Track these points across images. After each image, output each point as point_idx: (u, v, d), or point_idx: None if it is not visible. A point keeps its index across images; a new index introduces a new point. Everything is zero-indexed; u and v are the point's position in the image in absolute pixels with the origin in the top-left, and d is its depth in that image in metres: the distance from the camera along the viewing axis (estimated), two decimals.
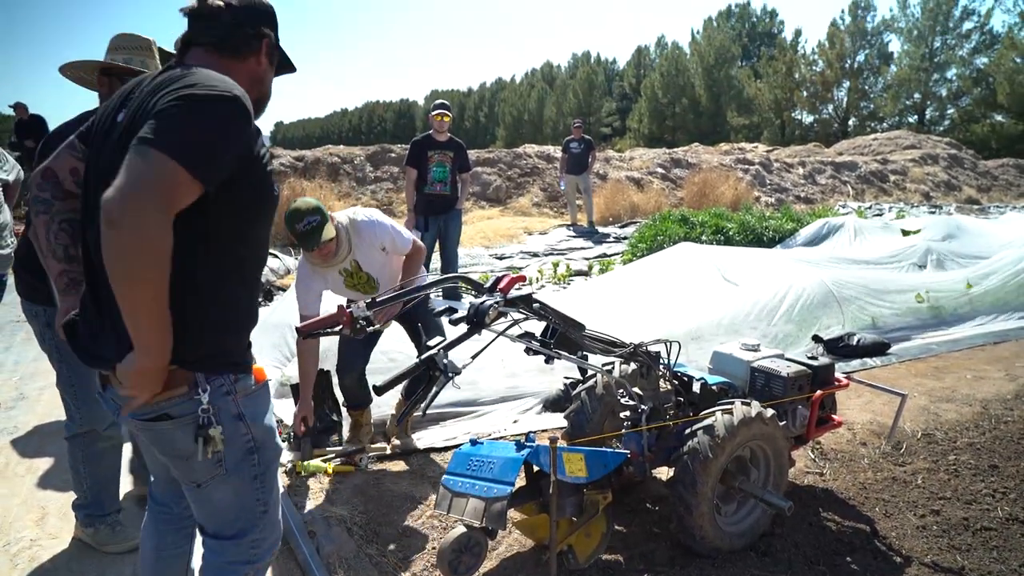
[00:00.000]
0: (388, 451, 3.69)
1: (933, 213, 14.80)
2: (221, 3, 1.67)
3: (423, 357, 2.06)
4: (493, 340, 2.35)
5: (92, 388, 2.66)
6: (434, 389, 2.03)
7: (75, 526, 2.91)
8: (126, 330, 1.43)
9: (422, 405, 2.07)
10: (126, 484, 3.19)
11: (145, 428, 1.62)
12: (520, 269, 9.02)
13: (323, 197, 11.43)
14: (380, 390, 2.05)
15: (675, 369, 3.03)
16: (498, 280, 2.36)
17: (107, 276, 1.38)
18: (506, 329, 2.36)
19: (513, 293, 2.34)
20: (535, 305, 2.41)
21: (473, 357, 2.27)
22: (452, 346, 2.16)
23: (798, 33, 42.71)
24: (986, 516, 3.04)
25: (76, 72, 2.72)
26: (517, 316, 2.38)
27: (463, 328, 2.30)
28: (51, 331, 2.66)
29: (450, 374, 2.02)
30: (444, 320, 2.39)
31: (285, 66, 1.91)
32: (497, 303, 2.26)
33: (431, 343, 2.11)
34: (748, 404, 2.71)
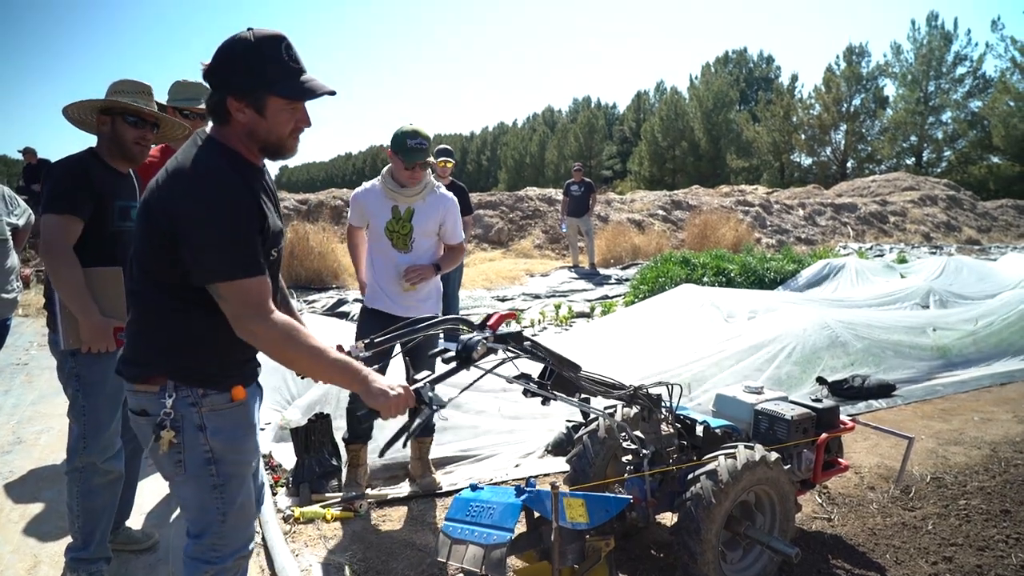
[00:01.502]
0: (388, 496, 3.63)
1: (934, 254, 14.84)
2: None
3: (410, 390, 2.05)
4: (483, 375, 2.35)
5: (104, 418, 2.71)
6: (418, 420, 2.02)
7: (64, 571, 2.86)
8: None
9: (405, 436, 2.05)
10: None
11: (135, 422, 1.86)
12: (522, 311, 9.02)
13: (326, 240, 11.50)
14: (363, 419, 2.08)
15: (677, 412, 3.00)
16: (488, 317, 2.38)
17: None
18: (497, 365, 2.35)
19: (503, 330, 2.34)
20: (525, 343, 2.40)
21: (461, 391, 2.27)
22: (439, 380, 2.15)
23: (795, 78, 43.72)
24: (1000, 563, 2.96)
25: (77, 113, 2.81)
26: (510, 353, 2.37)
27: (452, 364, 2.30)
28: (73, 360, 2.69)
29: (435, 407, 2.01)
30: (438, 361, 2.38)
31: (296, 90, 1.77)
32: (486, 339, 2.27)
33: (418, 376, 2.10)
34: (752, 448, 2.67)
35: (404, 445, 3.12)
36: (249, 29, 1.76)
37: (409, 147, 3.39)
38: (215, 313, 1.76)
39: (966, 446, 4.33)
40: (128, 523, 3.19)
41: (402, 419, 2.07)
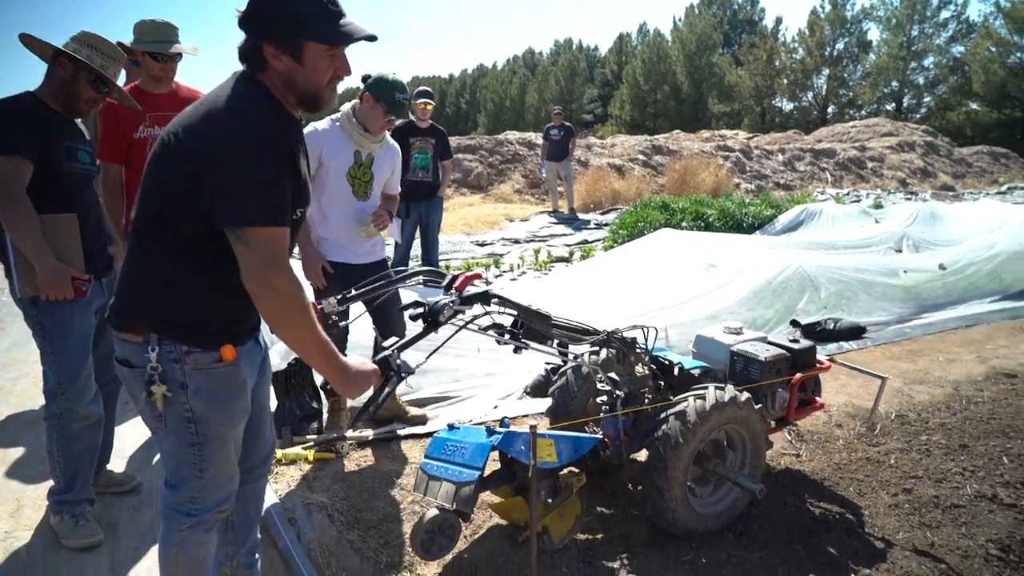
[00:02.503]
0: (370, 437, 3.69)
1: (909, 200, 15.00)
2: (238, 13, 1.71)
3: (377, 358, 2.07)
4: (451, 336, 2.40)
5: (75, 364, 2.70)
6: (386, 389, 2.05)
7: (47, 512, 2.91)
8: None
9: (374, 405, 2.08)
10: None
11: (119, 371, 1.83)
12: (501, 256, 9.02)
13: None
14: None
15: (654, 353, 3.05)
16: (454, 279, 2.40)
17: None
18: (466, 323, 2.39)
19: (469, 291, 2.37)
20: (492, 300, 2.43)
21: (428, 356, 2.31)
22: (406, 347, 2.18)
23: (779, 21, 43.15)
24: (955, 494, 3.11)
25: (41, 47, 2.72)
26: (488, 308, 2.41)
27: (420, 326, 2.33)
28: (35, 308, 2.64)
29: (403, 374, 2.03)
30: (406, 314, 2.41)
31: (335, 35, 1.69)
32: (452, 302, 2.30)
33: (386, 344, 2.12)
34: (722, 388, 2.74)
35: (374, 415, 3.19)
36: None
37: (397, 100, 3.33)
38: (214, 270, 1.73)
39: (930, 385, 4.48)
40: (109, 466, 3.22)
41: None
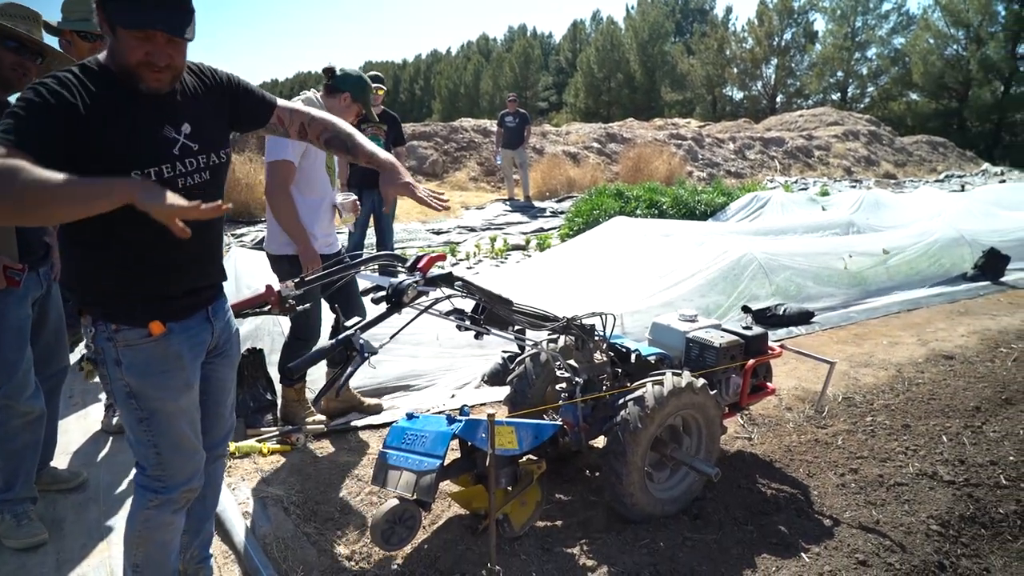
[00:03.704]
0: (325, 429, 3.64)
1: (854, 187, 15.48)
2: None
3: (339, 337, 2.04)
4: (414, 318, 2.38)
5: (10, 357, 2.58)
6: (349, 369, 2.02)
7: None
8: None
9: (337, 384, 2.06)
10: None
11: None
12: (458, 244, 8.97)
13: (253, 171, 11.03)
14: (294, 371, 2.07)
15: (612, 341, 3.08)
16: (418, 259, 2.37)
17: None
18: (429, 306, 2.37)
19: (433, 272, 2.35)
20: (456, 283, 2.41)
21: (391, 336, 2.28)
22: (369, 326, 2.15)
23: (729, 10, 43.84)
24: (899, 472, 3.23)
25: None
26: (447, 293, 2.39)
27: (383, 307, 2.30)
28: None
29: (366, 354, 2.01)
30: (367, 299, 2.37)
31: (128, 20, 1.64)
32: (416, 282, 2.27)
33: (348, 323, 2.09)
34: (679, 374, 2.78)
35: (337, 394, 3.14)
36: None
37: (370, 103, 3.47)
38: (100, 248, 1.76)
39: (875, 367, 4.65)
40: (53, 462, 3.10)
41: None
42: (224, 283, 2.09)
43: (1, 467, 2.68)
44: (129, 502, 2.94)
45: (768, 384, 3.40)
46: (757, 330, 3.33)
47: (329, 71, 3.40)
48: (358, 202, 3.61)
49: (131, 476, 3.16)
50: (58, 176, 1.44)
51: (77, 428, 3.64)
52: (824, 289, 6.16)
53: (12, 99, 2.73)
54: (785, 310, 5.55)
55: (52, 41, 3.14)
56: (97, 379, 3.79)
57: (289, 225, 3.24)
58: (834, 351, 4.88)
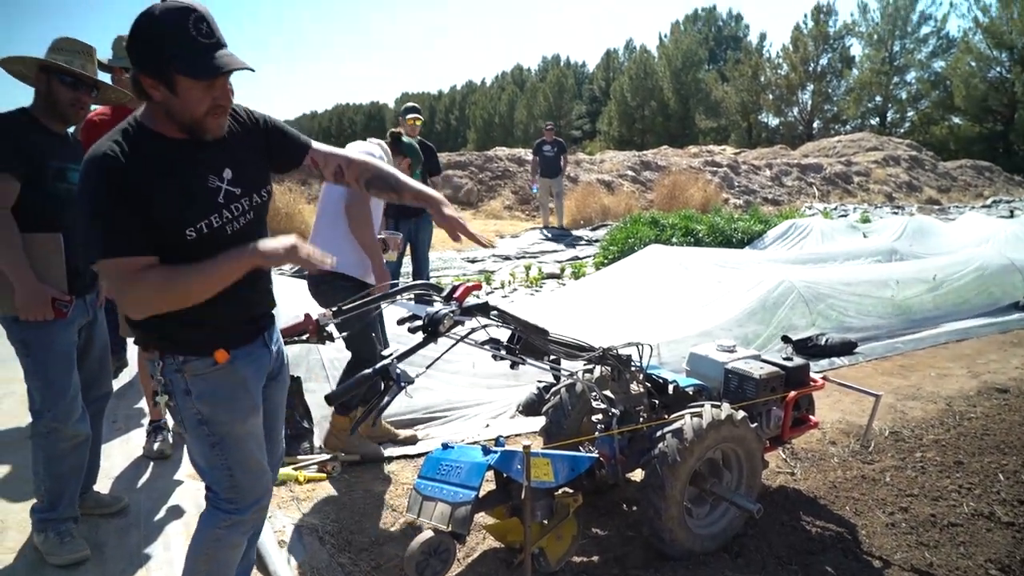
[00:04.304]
0: (359, 458, 3.63)
1: (896, 214, 15.15)
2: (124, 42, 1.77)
3: (376, 367, 2.04)
4: (450, 348, 2.37)
5: (60, 383, 2.65)
6: (386, 399, 2.02)
7: (31, 532, 2.85)
8: None
9: (373, 415, 2.06)
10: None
11: None
12: (492, 272, 9.00)
13: (293, 200, 11.28)
14: (332, 399, 2.08)
15: (649, 371, 3.03)
16: (454, 289, 2.37)
17: None
18: (465, 336, 2.36)
19: (469, 301, 2.34)
20: (492, 313, 2.40)
21: (428, 366, 2.28)
22: (405, 356, 2.15)
23: (763, 37, 43.71)
24: (952, 512, 3.09)
25: (16, 68, 2.69)
26: (483, 322, 2.38)
27: (419, 337, 2.30)
28: (16, 326, 2.61)
29: (402, 383, 2.01)
30: (403, 328, 2.38)
31: (202, 70, 1.65)
32: (452, 312, 2.27)
33: (385, 352, 2.10)
34: (718, 406, 2.72)
35: (373, 424, 3.16)
36: (162, 0, 1.66)
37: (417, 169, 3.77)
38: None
39: (923, 401, 4.48)
40: (96, 487, 3.16)
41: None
42: (274, 309, 2.13)
43: (47, 488, 2.74)
44: (168, 528, 3.00)
45: (811, 417, 3.30)
46: (798, 361, 3.25)
47: (396, 136, 3.83)
48: (400, 237, 3.69)
49: (170, 502, 3.22)
50: (197, 272, 1.70)
51: (119, 453, 3.70)
52: (867, 319, 6.00)
53: (70, 131, 2.86)
54: (827, 340, 5.41)
55: (104, 75, 3.27)
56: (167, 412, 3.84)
57: (370, 239, 3.35)
58: (879, 383, 4.73)
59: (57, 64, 2.63)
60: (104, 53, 3.65)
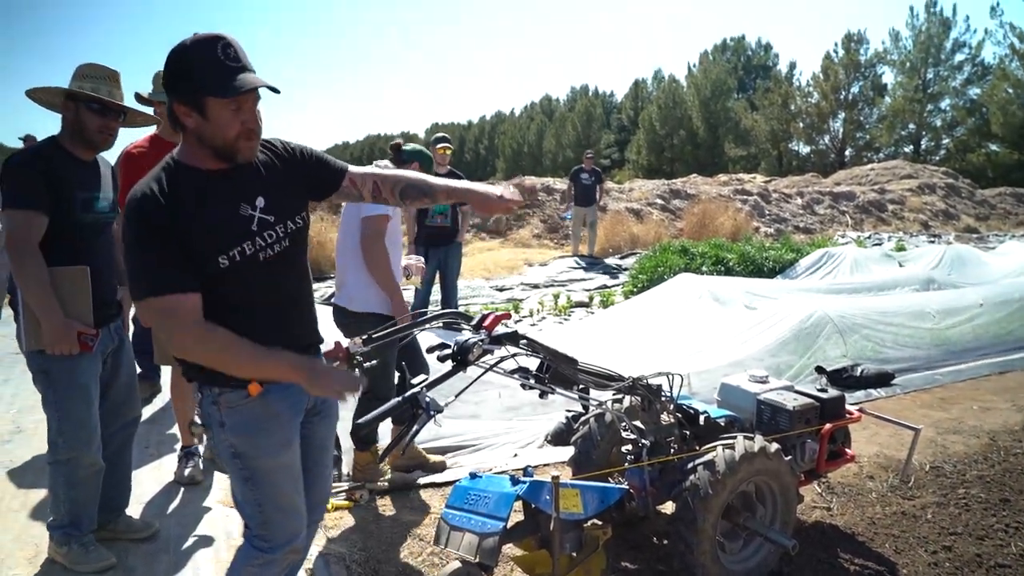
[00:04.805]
0: (387, 486, 3.63)
1: (933, 242, 14.85)
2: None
3: (406, 395, 2.05)
4: (479, 377, 2.36)
5: (78, 413, 2.69)
6: (415, 427, 2.02)
7: (48, 546, 2.90)
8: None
9: (403, 443, 2.06)
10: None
11: None
12: (521, 301, 9.01)
13: (324, 229, 11.47)
14: (361, 429, 2.07)
15: (679, 402, 2.99)
16: (483, 318, 2.37)
17: None
18: (494, 365, 2.36)
19: (498, 330, 2.34)
20: (522, 342, 2.40)
21: (457, 395, 2.27)
22: (434, 384, 2.15)
23: (793, 66, 43.45)
24: (999, 552, 2.97)
25: (44, 97, 2.74)
26: (512, 351, 2.37)
27: (448, 365, 2.30)
28: (40, 356, 2.66)
29: (432, 412, 2.01)
30: (433, 356, 2.38)
31: (230, 88, 1.70)
32: (481, 341, 2.27)
33: (414, 381, 2.10)
34: (751, 438, 2.67)
35: (403, 452, 3.16)
36: (194, 34, 1.75)
37: (431, 167, 3.75)
38: (215, 315, 1.79)
39: (965, 435, 4.34)
40: (128, 511, 3.20)
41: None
42: (319, 341, 2.14)
43: (67, 511, 2.80)
44: (198, 555, 3.01)
45: (847, 450, 3.22)
46: (833, 392, 3.18)
47: (396, 146, 3.71)
48: (423, 263, 3.71)
49: (200, 529, 3.24)
50: (247, 354, 1.75)
51: (151, 479, 3.75)
52: (905, 350, 5.85)
53: (99, 157, 2.86)
54: (863, 371, 5.29)
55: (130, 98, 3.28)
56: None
57: (385, 277, 3.36)
58: (918, 416, 4.60)
59: (84, 93, 2.65)
60: (142, 86, 3.77)
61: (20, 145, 14.30)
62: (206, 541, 3.14)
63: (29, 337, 2.63)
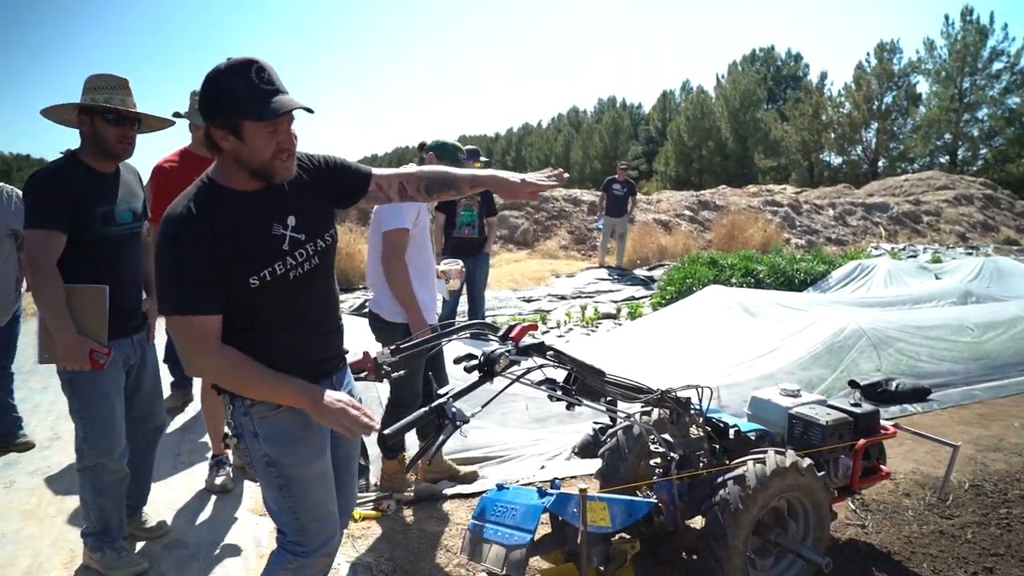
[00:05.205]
0: (413, 496, 3.63)
1: (970, 254, 14.49)
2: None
3: (432, 405, 2.05)
4: (506, 387, 2.35)
5: (102, 420, 2.75)
6: (441, 437, 2.02)
7: (83, 552, 2.97)
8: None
9: (429, 453, 2.07)
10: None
11: None
12: (548, 312, 8.99)
13: (352, 241, 11.59)
14: (388, 439, 2.07)
15: (708, 415, 2.95)
16: (510, 329, 2.37)
17: None
18: (521, 376, 2.35)
19: (525, 341, 2.34)
20: (548, 353, 2.39)
21: (483, 406, 2.27)
22: (461, 395, 2.15)
23: (824, 76, 42.68)
24: None
25: (58, 114, 2.76)
26: (539, 362, 2.37)
27: (475, 376, 2.30)
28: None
29: (458, 423, 2.01)
30: (459, 367, 2.38)
31: (265, 111, 1.74)
32: (508, 352, 2.26)
33: (441, 391, 2.10)
34: (782, 453, 2.62)
35: (429, 462, 3.16)
36: (227, 59, 1.79)
37: (461, 160, 3.66)
38: (242, 331, 1.85)
39: (1006, 452, 4.21)
40: (165, 519, 3.31)
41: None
42: (346, 354, 2.17)
43: (96, 517, 2.87)
44: (227, 562, 3.05)
45: (882, 467, 3.15)
46: (867, 407, 3.11)
47: (421, 145, 3.76)
48: (463, 267, 3.72)
49: (230, 537, 3.27)
50: (259, 378, 1.79)
51: (182, 486, 3.80)
52: (942, 364, 5.70)
53: (121, 165, 2.88)
54: (898, 386, 5.16)
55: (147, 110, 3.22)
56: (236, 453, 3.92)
57: (404, 293, 3.37)
58: (956, 433, 4.47)
59: (98, 105, 2.67)
60: (155, 91, 3.83)
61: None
62: (235, 549, 3.17)
63: (43, 350, 2.72)
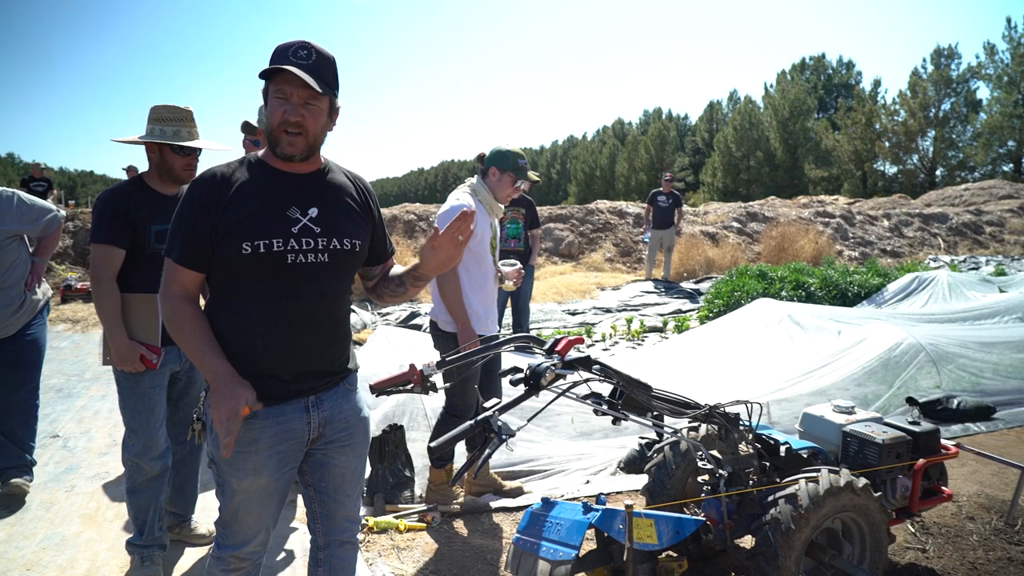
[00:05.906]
0: (459, 509, 3.64)
1: None
2: None
3: (478, 419, 2.05)
4: (551, 401, 2.34)
5: (139, 420, 2.91)
6: (487, 451, 2.01)
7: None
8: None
9: (475, 466, 2.05)
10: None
11: None
12: (593, 325, 8.93)
13: (400, 254, 11.76)
14: (434, 451, 2.07)
15: (758, 431, 2.89)
16: (556, 342, 2.36)
17: None
18: (567, 389, 2.34)
19: (571, 355, 2.32)
20: (594, 367, 2.37)
21: (529, 419, 2.26)
22: (507, 408, 2.14)
23: (877, 83, 41.46)
24: None
25: (129, 142, 3.00)
26: (585, 376, 2.35)
27: (521, 389, 2.30)
28: (115, 368, 2.93)
29: (504, 436, 2.00)
30: (505, 380, 2.38)
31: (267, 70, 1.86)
32: (554, 366, 2.25)
33: (487, 404, 2.10)
34: (836, 472, 2.54)
35: (475, 476, 3.17)
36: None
37: (520, 166, 3.62)
38: (223, 297, 1.94)
39: None
40: (196, 519, 3.42)
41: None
42: (346, 373, 2.10)
43: (133, 516, 3.01)
44: (280, 571, 3.09)
45: (943, 488, 3.02)
46: (926, 425, 2.99)
47: (480, 156, 3.72)
48: (522, 269, 3.72)
49: (282, 545, 3.32)
50: (194, 338, 1.85)
51: None
52: (1008, 381, 5.45)
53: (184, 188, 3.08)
54: (959, 403, 4.95)
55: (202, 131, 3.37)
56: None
57: (454, 304, 3.43)
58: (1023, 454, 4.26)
59: (168, 143, 2.90)
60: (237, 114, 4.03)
61: (123, 175, 15.43)
62: (289, 556, 3.23)
63: (106, 352, 2.96)
